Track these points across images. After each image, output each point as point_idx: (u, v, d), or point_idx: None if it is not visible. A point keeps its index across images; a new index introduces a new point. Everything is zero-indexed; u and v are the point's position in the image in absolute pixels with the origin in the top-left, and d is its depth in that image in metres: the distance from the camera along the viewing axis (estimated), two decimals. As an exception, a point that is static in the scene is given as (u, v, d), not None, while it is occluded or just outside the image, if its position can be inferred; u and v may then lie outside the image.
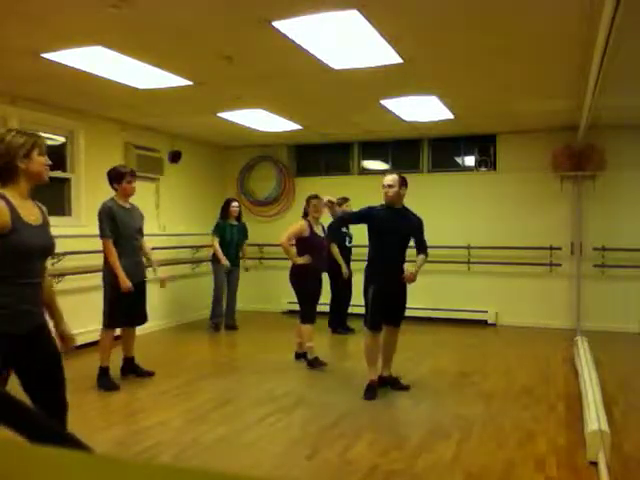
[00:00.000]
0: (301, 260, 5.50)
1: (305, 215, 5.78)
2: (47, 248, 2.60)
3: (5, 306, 2.38)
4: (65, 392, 2.61)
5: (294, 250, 5.61)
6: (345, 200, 7.07)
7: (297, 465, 3.35)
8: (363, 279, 4.80)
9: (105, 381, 4.78)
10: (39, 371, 2.51)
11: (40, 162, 2.49)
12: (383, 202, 4.69)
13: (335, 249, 6.72)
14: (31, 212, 2.49)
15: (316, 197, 5.79)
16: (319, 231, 5.71)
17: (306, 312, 5.66)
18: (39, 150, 2.49)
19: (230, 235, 7.32)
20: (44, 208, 2.64)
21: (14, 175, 2.43)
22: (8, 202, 2.37)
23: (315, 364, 5.56)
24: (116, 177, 4.92)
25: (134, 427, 3.74)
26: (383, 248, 4.67)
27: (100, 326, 5.09)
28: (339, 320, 7.27)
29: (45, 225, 2.58)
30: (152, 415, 4.00)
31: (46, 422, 0.53)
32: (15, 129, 2.65)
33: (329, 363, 5.69)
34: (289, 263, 5.70)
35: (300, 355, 5.85)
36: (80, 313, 6.27)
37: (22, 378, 2.48)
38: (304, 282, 5.61)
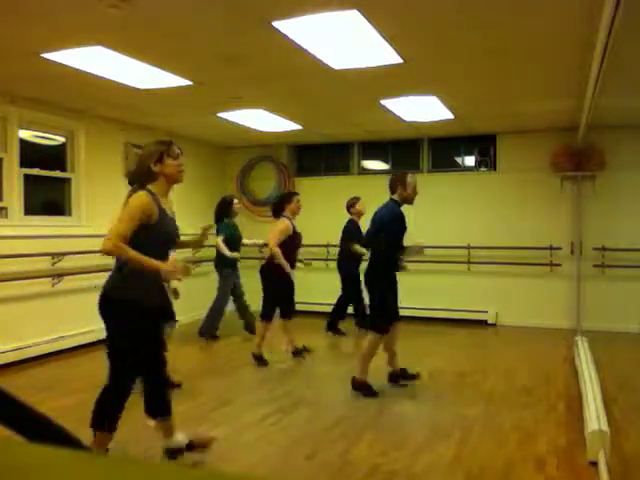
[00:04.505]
0: (288, 269, 5.44)
1: (280, 212, 5.65)
2: (176, 235, 3.19)
3: (150, 284, 2.99)
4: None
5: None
6: (357, 199, 6.93)
7: (297, 465, 3.35)
8: (373, 282, 4.73)
9: None
10: (158, 335, 3.20)
11: (172, 165, 3.02)
12: (400, 201, 4.71)
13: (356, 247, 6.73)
14: (168, 206, 3.10)
15: (298, 194, 5.77)
16: (296, 228, 5.66)
17: (264, 309, 5.67)
18: (171, 155, 3.02)
19: (236, 234, 6.97)
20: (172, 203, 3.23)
21: (154, 177, 3.01)
22: (153, 195, 2.97)
23: (258, 361, 5.67)
24: None
25: (133, 427, 3.73)
26: (399, 248, 4.70)
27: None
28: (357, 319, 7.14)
29: (173, 216, 3.18)
30: (152, 415, 4.00)
31: (45, 421, 0.53)
32: (156, 140, 3.18)
33: (329, 363, 5.68)
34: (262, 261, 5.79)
35: (297, 352, 5.87)
36: (80, 313, 6.27)
37: (147, 341, 3.08)
38: (281, 281, 5.55)
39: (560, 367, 5.57)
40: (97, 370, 4.85)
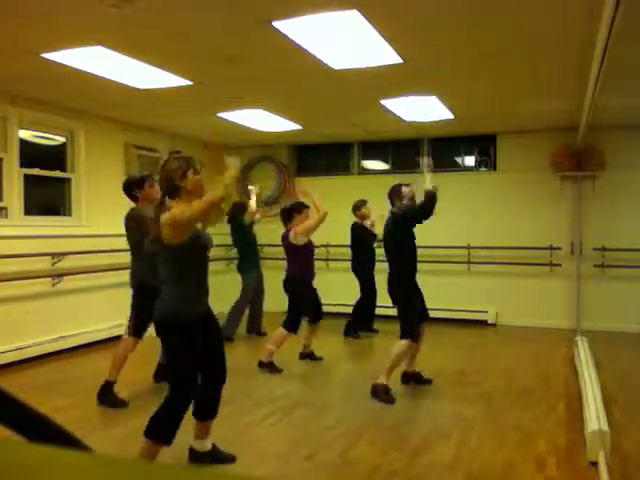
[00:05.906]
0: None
1: (289, 221, 5.57)
2: (209, 245, 3.21)
3: (195, 296, 3.09)
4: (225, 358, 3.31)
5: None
6: (363, 203, 6.82)
7: (297, 465, 3.35)
8: (396, 292, 4.75)
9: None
10: (211, 342, 3.19)
11: (194, 180, 3.05)
12: (405, 204, 4.74)
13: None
14: None
15: (308, 207, 5.67)
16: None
17: (291, 319, 5.53)
18: (193, 170, 3.06)
19: (253, 234, 6.97)
20: None
21: (178, 192, 3.03)
22: None
23: (270, 368, 5.43)
24: (136, 183, 4.56)
25: (134, 427, 3.73)
26: (410, 254, 4.75)
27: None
28: (363, 322, 7.12)
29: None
30: (152, 415, 4.00)
31: (45, 421, 0.53)
32: (173, 155, 3.30)
33: (331, 363, 5.68)
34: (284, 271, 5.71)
35: (305, 355, 5.88)
36: (80, 313, 6.28)
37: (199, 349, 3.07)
38: (302, 289, 5.54)
39: (560, 367, 5.57)
40: (97, 370, 4.85)
